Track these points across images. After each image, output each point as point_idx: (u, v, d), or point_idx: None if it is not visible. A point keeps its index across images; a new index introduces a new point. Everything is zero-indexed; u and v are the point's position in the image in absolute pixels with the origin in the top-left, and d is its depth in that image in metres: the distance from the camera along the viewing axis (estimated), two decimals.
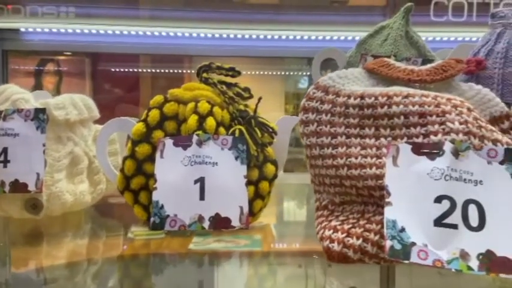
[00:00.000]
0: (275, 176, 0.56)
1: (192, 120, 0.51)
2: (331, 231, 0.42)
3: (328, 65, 0.82)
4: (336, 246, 0.40)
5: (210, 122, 0.51)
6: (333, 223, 0.43)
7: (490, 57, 0.72)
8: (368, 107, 0.43)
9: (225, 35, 2.49)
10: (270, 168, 0.55)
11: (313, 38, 2.34)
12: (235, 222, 0.49)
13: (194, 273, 0.52)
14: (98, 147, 0.58)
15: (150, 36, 2.55)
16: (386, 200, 0.37)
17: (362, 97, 0.44)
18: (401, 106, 0.42)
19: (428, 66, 0.46)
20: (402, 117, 0.41)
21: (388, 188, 0.37)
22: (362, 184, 0.42)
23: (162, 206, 0.48)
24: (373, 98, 0.43)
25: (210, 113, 0.52)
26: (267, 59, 2.68)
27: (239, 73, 0.58)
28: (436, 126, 0.39)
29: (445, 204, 0.36)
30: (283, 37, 2.44)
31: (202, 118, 0.52)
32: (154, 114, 0.54)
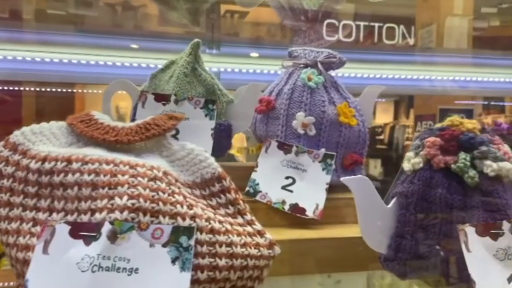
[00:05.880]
0: None
1: None
2: None
3: None
4: None
5: None
6: None
7: (279, 98, 0.72)
8: (46, 173, 0.37)
9: (119, 63, 2.25)
10: None
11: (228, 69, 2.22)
12: None
13: None
14: None
15: (36, 62, 2.22)
16: None
17: (44, 160, 0.37)
18: (77, 174, 0.36)
19: (134, 124, 0.41)
20: (76, 188, 0.35)
21: (27, 284, 0.31)
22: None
23: None
24: (53, 163, 0.37)
25: None
26: None
27: None
28: (105, 202, 0.34)
29: None
30: None
31: None
32: None
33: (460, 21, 2.79)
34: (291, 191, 0.64)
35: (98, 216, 0.33)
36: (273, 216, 0.64)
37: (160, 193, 0.36)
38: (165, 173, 0.38)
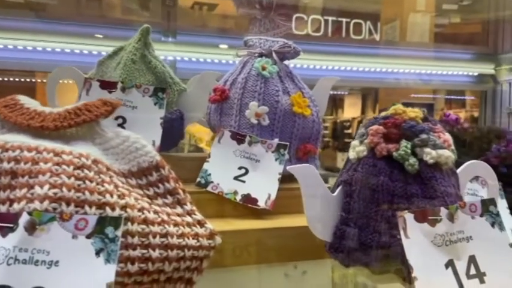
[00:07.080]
0: None
1: None
2: None
3: None
4: None
5: None
6: None
7: (233, 87, 0.71)
8: None
9: (86, 51, 2.10)
10: None
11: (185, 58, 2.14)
12: None
13: None
14: None
15: None
16: None
17: None
18: None
19: (62, 109, 0.39)
20: None
21: None
22: None
23: None
24: None
25: None
26: None
27: None
28: (24, 191, 0.32)
29: None
30: None
31: None
32: None
33: (422, 17, 2.86)
34: (243, 182, 0.63)
35: (16, 206, 0.31)
36: (240, 207, 0.63)
37: (88, 182, 0.34)
38: (94, 161, 0.36)
